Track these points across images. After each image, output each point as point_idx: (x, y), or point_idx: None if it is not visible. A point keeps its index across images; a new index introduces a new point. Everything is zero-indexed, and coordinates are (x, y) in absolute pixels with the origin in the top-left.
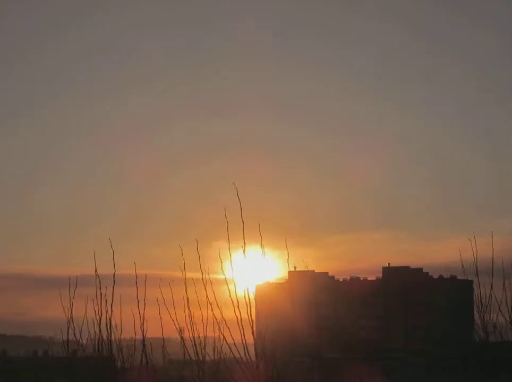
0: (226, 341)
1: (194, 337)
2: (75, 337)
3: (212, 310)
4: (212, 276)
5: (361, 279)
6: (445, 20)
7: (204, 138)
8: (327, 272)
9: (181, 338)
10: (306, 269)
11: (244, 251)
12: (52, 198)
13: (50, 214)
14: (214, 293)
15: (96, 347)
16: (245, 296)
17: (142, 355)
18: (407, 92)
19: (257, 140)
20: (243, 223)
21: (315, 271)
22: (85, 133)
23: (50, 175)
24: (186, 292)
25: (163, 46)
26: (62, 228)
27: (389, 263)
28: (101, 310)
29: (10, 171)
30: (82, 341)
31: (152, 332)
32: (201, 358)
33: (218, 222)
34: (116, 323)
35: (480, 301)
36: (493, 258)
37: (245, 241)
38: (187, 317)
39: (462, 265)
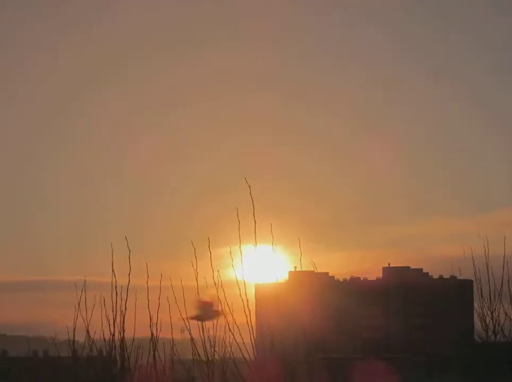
0: (235, 341)
1: (203, 337)
2: (88, 335)
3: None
4: (222, 278)
5: (362, 279)
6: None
7: (211, 121)
8: (327, 273)
9: (191, 337)
10: (314, 269)
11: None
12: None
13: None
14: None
15: (106, 347)
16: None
17: (149, 354)
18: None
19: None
20: (255, 223)
21: (315, 271)
22: (79, 133)
23: (34, 185)
24: (198, 291)
25: (160, 22)
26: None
27: (389, 264)
28: (114, 310)
29: None
30: (91, 341)
31: (160, 332)
32: (210, 358)
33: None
34: (125, 323)
35: (482, 300)
36: (504, 257)
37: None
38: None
39: (474, 265)
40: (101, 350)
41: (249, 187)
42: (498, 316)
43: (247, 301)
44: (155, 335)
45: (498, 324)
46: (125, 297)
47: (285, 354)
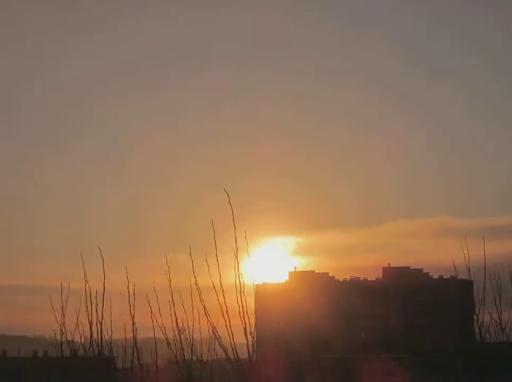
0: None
1: (192, 338)
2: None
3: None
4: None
5: (362, 279)
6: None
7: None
8: (327, 273)
9: (179, 337)
10: (313, 269)
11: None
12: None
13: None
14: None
15: (91, 347)
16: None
17: (141, 355)
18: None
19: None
20: (235, 229)
21: (315, 271)
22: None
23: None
24: (200, 296)
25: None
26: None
27: (389, 264)
28: (94, 313)
29: None
30: (82, 342)
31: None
32: (203, 359)
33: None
34: (110, 325)
35: (477, 302)
36: (485, 261)
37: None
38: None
39: (455, 267)
40: (98, 350)
41: (228, 195)
42: (483, 320)
43: (226, 306)
44: (135, 337)
45: (489, 327)
46: (109, 302)
47: (284, 354)
